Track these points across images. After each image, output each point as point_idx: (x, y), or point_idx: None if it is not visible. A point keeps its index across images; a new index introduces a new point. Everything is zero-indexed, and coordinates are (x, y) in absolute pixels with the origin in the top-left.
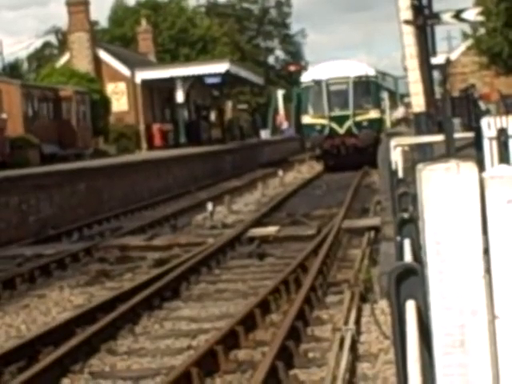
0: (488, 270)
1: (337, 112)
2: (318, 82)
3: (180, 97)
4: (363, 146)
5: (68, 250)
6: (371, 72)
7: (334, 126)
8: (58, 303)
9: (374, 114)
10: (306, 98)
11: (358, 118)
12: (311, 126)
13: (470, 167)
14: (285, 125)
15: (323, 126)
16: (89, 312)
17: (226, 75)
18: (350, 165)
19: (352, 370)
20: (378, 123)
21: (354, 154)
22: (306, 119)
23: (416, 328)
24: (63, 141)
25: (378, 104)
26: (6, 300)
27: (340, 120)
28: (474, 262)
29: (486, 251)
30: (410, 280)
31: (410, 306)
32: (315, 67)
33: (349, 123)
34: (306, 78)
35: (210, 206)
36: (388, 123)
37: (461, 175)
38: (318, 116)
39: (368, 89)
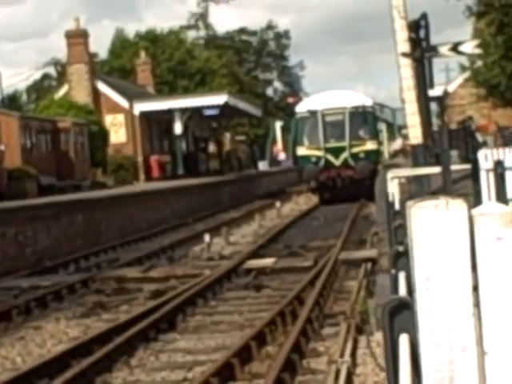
0: (477, 307)
1: (333, 143)
2: (313, 113)
3: (178, 128)
4: (360, 178)
5: (64, 282)
6: (368, 102)
7: (330, 157)
8: (54, 335)
9: (370, 145)
10: (301, 129)
11: (355, 150)
12: (306, 158)
13: (460, 204)
14: (282, 156)
15: (319, 158)
16: (84, 344)
17: (225, 107)
18: (346, 197)
19: None
20: (375, 155)
21: (351, 186)
22: (301, 151)
23: (409, 362)
24: (61, 172)
25: (375, 135)
26: (1, 332)
27: (336, 151)
28: (464, 299)
29: (476, 288)
30: (403, 314)
31: (403, 340)
32: (311, 97)
33: (345, 155)
34: (301, 108)
35: (207, 237)
36: (386, 155)
37: (450, 212)
38: (314, 147)
39: (365, 119)
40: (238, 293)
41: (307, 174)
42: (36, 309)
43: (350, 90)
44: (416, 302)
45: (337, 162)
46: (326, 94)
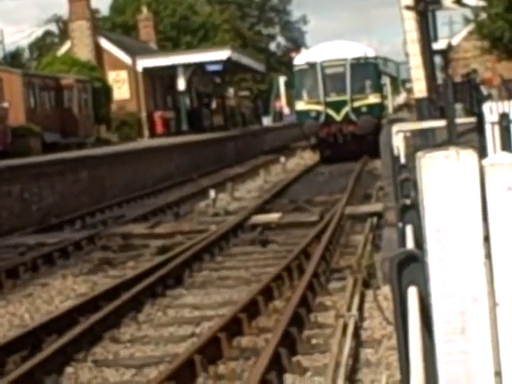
0: (488, 257)
1: (333, 97)
2: (312, 65)
3: (182, 84)
4: (362, 134)
5: (71, 239)
6: (370, 53)
7: (331, 112)
8: (61, 292)
9: (373, 98)
10: (299, 83)
11: (357, 104)
12: (306, 113)
13: (470, 155)
14: (286, 111)
15: (318, 113)
16: (92, 300)
17: (228, 62)
18: (348, 154)
19: (355, 356)
20: (378, 109)
21: (353, 142)
22: (300, 105)
23: (418, 315)
24: (65, 129)
25: (378, 88)
26: (8, 289)
27: (337, 106)
28: (475, 249)
29: (487, 238)
30: (411, 267)
31: (412, 293)
32: (310, 49)
33: (346, 109)
34: (299, 60)
35: (212, 193)
36: (390, 109)
37: (461, 163)
38: (313, 102)
39: (367, 71)
40: (244, 248)
41: (307, 130)
42: (43, 266)
43: (351, 41)
44: (427, 253)
45: (338, 117)
46: (325, 45)
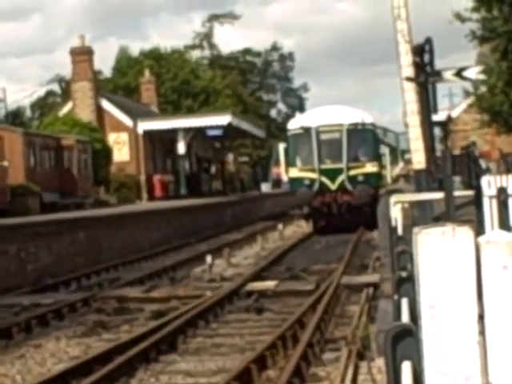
0: (482, 335)
1: (328, 164)
2: (306, 130)
3: (181, 148)
4: (358, 205)
5: (66, 300)
6: (368, 119)
7: (325, 180)
8: (54, 354)
9: (371, 167)
10: (293, 148)
11: (353, 172)
12: (299, 180)
13: (466, 231)
14: (285, 178)
15: (312, 181)
16: (85, 364)
17: (228, 128)
18: (343, 226)
19: None
20: (375, 178)
21: (348, 213)
22: (293, 172)
23: None
24: (64, 189)
25: (375, 156)
26: (1, 349)
27: (332, 174)
28: (469, 327)
29: (481, 317)
30: (406, 341)
31: (406, 368)
32: (305, 113)
33: (342, 178)
34: (293, 124)
35: (209, 258)
36: (388, 179)
37: (456, 239)
38: (307, 169)
39: (364, 138)
40: (239, 315)
41: (299, 199)
42: (37, 327)
43: (349, 106)
44: (421, 330)
45: (333, 186)
46: (321, 110)
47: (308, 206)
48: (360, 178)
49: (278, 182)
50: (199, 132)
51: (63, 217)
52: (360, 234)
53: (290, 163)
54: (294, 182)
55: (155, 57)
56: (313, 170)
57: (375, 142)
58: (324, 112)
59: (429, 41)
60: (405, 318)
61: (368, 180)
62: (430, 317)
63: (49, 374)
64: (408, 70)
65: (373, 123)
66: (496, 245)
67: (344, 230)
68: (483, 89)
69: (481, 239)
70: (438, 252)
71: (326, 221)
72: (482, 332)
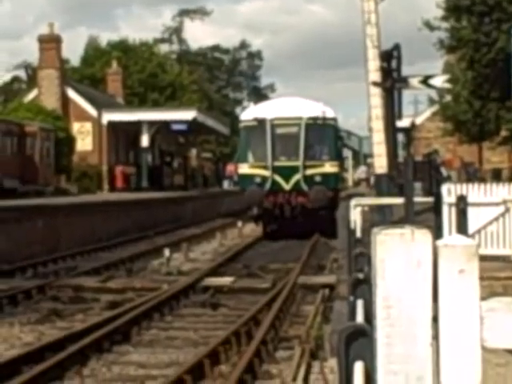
0: (436, 338)
1: (282, 162)
2: (260, 122)
3: (145, 141)
4: (314, 207)
5: (21, 287)
6: (330, 113)
7: (278, 179)
8: (7, 340)
9: (330, 167)
10: (245, 142)
11: (310, 172)
12: (249, 178)
13: (425, 234)
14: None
15: (264, 179)
16: (37, 351)
17: (193, 123)
18: (296, 231)
19: None
20: (334, 179)
21: (302, 216)
22: (244, 168)
23: None
24: (25, 176)
25: (336, 155)
26: None
27: (286, 172)
28: (423, 329)
29: (435, 319)
30: (359, 341)
31: (358, 368)
32: (260, 104)
33: (297, 177)
34: (246, 115)
35: (167, 252)
36: (350, 182)
37: (415, 242)
38: (259, 165)
39: (325, 134)
40: (194, 309)
41: (248, 198)
42: None
43: (308, 99)
44: (375, 329)
45: (286, 186)
46: (278, 101)
47: (258, 206)
48: (317, 179)
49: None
50: (164, 126)
51: (23, 203)
52: (314, 242)
53: (240, 159)
54: (244, 179)
55: (123, 48)
56: (265, 167)
57: (336, 140)
58: (281, 103)
59: (397, 47)
60: (359, 319)
61: (326, 181)
62: (384, 316)
63: (1, 359)
64: (375, 75)
65: (334, 118)
66: (453, 249)
67: (297, 235)
68: (448, 98)
69: (439, 242)
70: (396, 253)
71: (278, 224)
72: (435, 334)
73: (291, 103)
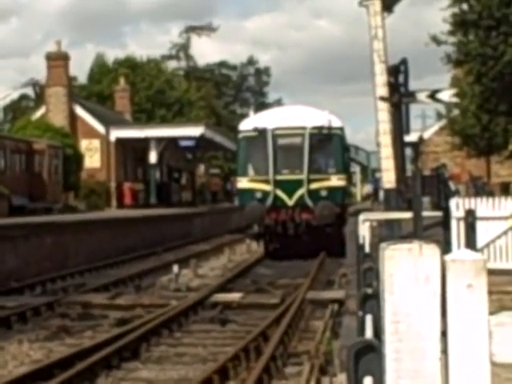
0: (445, 352)
1: (285, 175)
2: (261, 132)
3: (153, 157)
4: (320, 225)
5: (30, 304)
6: (336, 123)
7: (281, 194)
8: (16, 357)
9: (336, 180)
10: (244, 154)
11: (315, 186)
12: (249, 193)
13: (433, 249)
14: None
15: (265, 194)
16: (46, 368)
17: (201, 139)
18: (300, 250)
19: None
20: (341, 194)
21: (307, 234)
22: (243, 183)
23: None
24: (33, 194)
25: (343, 168)
26: None
27: (289, 186)
28: (432, 344)
29: (444, 333)
30: (368, 356)
31: (367, 383)
32: (260, 113)
33: (301, 191)
34: (246, 125)
35: (175, 268)
36: (358, 197)
37: (423, 257)
38: (259, 180)
39: (331, 145)
40: (203, 326)
41: (248, 215)
42: None
43: (313, 108)
44: (384, 344)
45: (289, 201)
46: (280, 110)
47: (259, 224)
48: (323, 193)
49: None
50: (171, 142)
51: (31, 221)
52: (323, 257)
53: (239, 172)
54: (244, 194)
55: (130, 65)
56: (266, 182)
57: (343, 151)
58: (283, 112)
59: (404, 62)
60: (368, 334)
61: (333, 195)
62: (393, 331)
63: (10, 376)
64: (382, 90)
65: (341, 128)
66: (462, 263)
67: (301, 255)
68: (456, 112)
69: (447, 257)
70: (404, 268)
71: (281, 243)
72: (444, 348)
73: (294, 112)
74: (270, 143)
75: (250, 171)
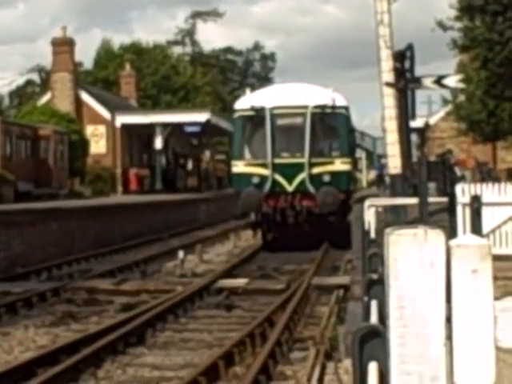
0: (449, 338)
1: (285, 158)
2: (258, 111)
3: (159, 143)
4: (322, 212)
5: (36, 289)
6: (340, 101)
7: (280, 179)
8: (22, 342)
9: (341, 164)
10: (240, 136)
11: (317, 170)
12: (245, 178)
13: (438, 234)
14: None
15: (263, 179)
16: (52, 353)
17: (206, 125)
18: (301, 240)
19: None
20: (346, 179)
21: (308, 223)
22: (238, 167)
23: None
24: (39, 179)
25: (348, 150)
26: None
27: (289, 171)
28: (436, 329)
29: (449, 319)
30: (373, 341)
31: (372, 368)
32: (259, 91)
33: (302, 176)
34: (242, 104)
35: (181, 254)
36: (364, 183)
37: (428, 242)
38: (257, 163)
39: (334, 126)
40: (208, 311)
41: (244, 202)
42: (5, 315)
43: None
44: (389, 330)
45: (289, 187)
46: (279, 87)
47: (256, 211)
48: (326, 178)
49: None
50: (177, 128)
51: (37, 206)
52: (326, 248)
53: (235, 155)
54: (239, 179)
55: (136, 51)
56: (264, 165)
57: (348, 132)
58: (283, 90)
59: (410, 47)
60: (373, 319)
61: (336, 181)
62: (398, 317)
63: (15, 362)
64: (388, 76)
65: (346, 107)
66: (466, 248)
67: (302, 246)
68: (462, 97)
69: (452, 243)
70: (409, 253)
71: (279, 232)
72: (449, 334)
73: (295, 89)
74: (269, 123)
75: (247, 154)
